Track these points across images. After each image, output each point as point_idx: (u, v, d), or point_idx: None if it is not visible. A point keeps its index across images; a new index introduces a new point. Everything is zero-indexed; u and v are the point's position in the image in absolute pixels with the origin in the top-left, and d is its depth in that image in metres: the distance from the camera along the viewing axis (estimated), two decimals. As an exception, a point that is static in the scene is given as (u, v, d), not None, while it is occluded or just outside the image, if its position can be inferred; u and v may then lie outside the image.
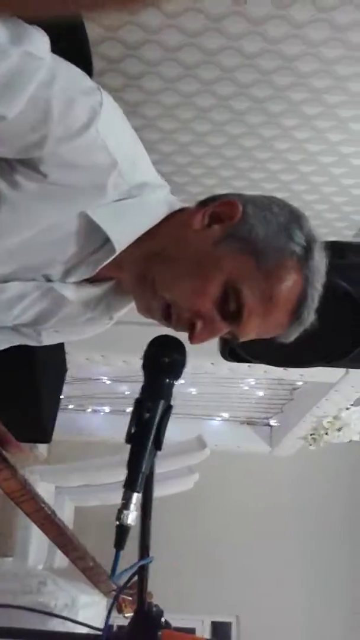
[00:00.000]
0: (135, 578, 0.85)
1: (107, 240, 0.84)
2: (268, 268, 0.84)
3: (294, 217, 0.88)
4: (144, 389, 0.76)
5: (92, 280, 0.92)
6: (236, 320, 0.84)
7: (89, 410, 4.38)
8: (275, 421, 4.59)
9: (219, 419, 4.62)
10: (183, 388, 4.08)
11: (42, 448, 4.13)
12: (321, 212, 2.79)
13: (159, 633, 0.86)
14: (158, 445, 0.72)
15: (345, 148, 2.36)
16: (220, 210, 0.87)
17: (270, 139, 2.32)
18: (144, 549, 0.83)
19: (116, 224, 0.83)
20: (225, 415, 4.61)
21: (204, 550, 4.75)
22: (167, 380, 0.75)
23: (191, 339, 0.85)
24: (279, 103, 2.14)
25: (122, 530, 0.69)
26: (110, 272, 0.90)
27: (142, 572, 0.85)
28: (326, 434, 4.09)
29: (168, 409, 0.75)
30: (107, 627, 0.88)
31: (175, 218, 0.90)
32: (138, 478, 0.70)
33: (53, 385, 2.14)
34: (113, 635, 0.89)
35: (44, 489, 3.39)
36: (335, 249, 1.50)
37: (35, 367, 1.88)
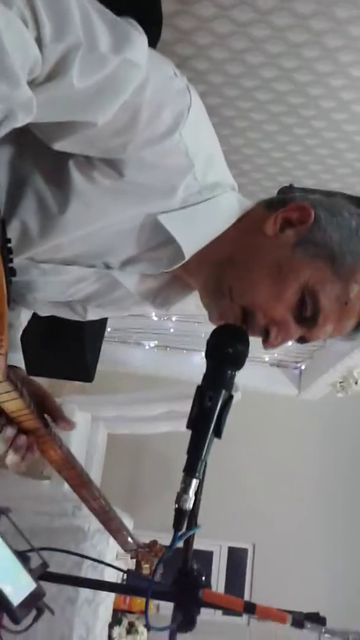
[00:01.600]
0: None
1: (171, 240, 0.84)
2: (344, 273, 0.83)
3: None
4: (206, 377, 0.78)
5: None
6: (310, 325, 0.85)
7: (132, 343, 4.47)
8: (305, 366, 4.64)
9: (248, 360, 4.67)
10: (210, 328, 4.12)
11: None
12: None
13: (200, 591, 0.93)
14: (218, 433, 0.75)
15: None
16: (292, 215, 0.86)
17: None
18: (192, 518, 0.88)
19: (187, 230, 0.83)
20: (255, 356, 4.66)
21: (227, 480, 4.94)
22: (230, 371, 0.77)
23: (265, 344, 0.86)
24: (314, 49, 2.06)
25: (180, 514, 0.73)
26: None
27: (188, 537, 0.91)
28: (355, 383, 4.14)
29: (229, 399, 0.77)
30: (151, 582, 0.95)
31: (244, 222, 0.88)
32: (198, 464, 0.73)
33: (97, 326, 2.19)
34: (155, 590, 0.97)
35: (81, 417, 3.56)
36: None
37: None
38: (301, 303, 0.83)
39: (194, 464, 0.74)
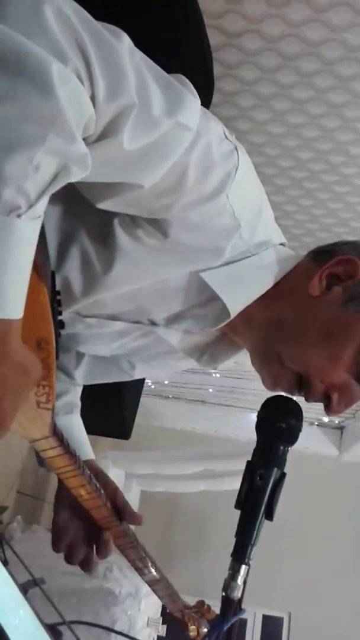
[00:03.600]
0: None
1: (216, 298, 0.82)
2: None
3: None
4: (256, 452, 0.74)
5: None
6: None
7: (168, 397, 4.45)
8: (347, 425, 4.50)
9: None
10: (252, 384, 4.05)
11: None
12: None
13: None
14: (270, 515, 0.70)
15: None
16: (338, 269, 0.82)
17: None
18: (239, 602, 0.83)
19: (232, 289, 0.81)
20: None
21: (262, 545, 4.75)
22: (282, 447, 0.73)
23: (328, 411, 0.82)
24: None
25: (228, 603, 0.68)
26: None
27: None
28: None
29: (281, 477, 0.73)
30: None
31: (291, 277, 0.85)
32: (247, 550, 0.69)
33: (135, 387, 2.18)
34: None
35: (115, 474, 3.49)
36: None
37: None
38: None
39: (243, 549, 0.69)
